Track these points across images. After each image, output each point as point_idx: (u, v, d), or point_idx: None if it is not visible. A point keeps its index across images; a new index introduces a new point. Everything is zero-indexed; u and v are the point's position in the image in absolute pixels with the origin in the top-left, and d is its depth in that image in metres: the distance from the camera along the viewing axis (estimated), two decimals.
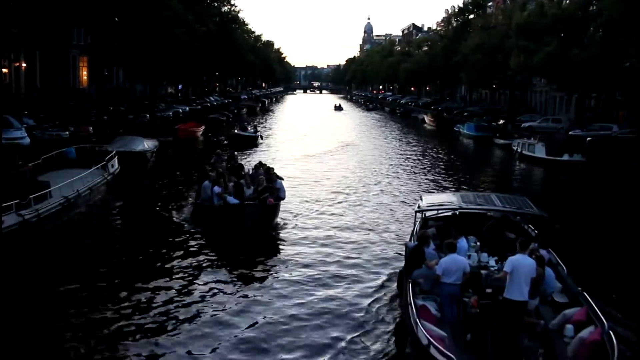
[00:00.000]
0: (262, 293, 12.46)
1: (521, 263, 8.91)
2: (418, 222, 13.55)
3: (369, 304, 11.70)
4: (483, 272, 10.25)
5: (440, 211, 13.89)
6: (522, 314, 8.74)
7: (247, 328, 10.67)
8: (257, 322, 10.96)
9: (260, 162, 20.58)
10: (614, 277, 13.89)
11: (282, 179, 18.53)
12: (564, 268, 11.09)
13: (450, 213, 13.50)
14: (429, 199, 14.56)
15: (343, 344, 10.00)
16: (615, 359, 7.39)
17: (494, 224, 12.71)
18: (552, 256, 11.29)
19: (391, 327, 10.46)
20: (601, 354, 7.80)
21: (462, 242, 10.98)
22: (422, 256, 10.54)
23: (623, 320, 10.80)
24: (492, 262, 10.79)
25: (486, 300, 9.26)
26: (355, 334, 10.37)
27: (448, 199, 14.53)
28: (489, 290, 9.53)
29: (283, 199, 17.73)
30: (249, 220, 15.67)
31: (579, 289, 9.95)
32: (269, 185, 17.21)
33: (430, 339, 8.06)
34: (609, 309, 10.67)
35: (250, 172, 19.65)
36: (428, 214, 13.94)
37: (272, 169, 19.36)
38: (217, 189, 16.71)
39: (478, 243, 11.71)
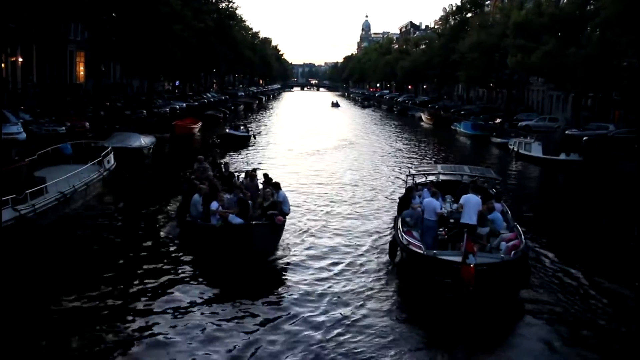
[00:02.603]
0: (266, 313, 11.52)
1: (470, 198, 13.38)
2: (409, 184, 17.58)
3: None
4: (448, 209, 14.90)
5: (426, 177, 18.64)
6: (473, 234, 12.39)
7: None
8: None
9: (254, 170, 18.33)
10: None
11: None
12: (509, 213, 15.40)
13: (434, 179, 17.71)
14: (417, 168, 21.06)
15: (351, 258, 14.78)
16: (520, 249, 12.28)
17: (465, 186, 16.31)
18: (504, 207, 15.47)
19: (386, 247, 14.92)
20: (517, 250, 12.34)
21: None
22: (409, 202, 14.80)
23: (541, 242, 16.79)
24: None
25: (452, 231, 13.75)
26: (362, 253, 15.21)
27: (431, 167, 20.99)
28: (451, 220, 14.18)
29: (288, 213, 15.32)
30: (258, 243, 13.46)
31: (515, 223, 14.37)
32: (275, 199, 14.89)
33: (410, 240, 12.78)
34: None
35: (243, 181, 17.43)
36: (417, 180, 18.33)
37: (271, 178, 16.83)
38: (215, 205, 14.13)
39: (453, 199, 15.86)
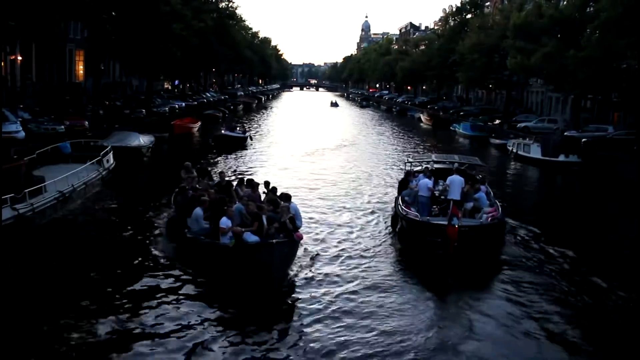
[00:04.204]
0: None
1: (454, 178, 16.81)
2: (407, 170, 20.61)
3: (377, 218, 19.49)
4: (439, 189, 17.84)
5: (422, 164, 21.58)
6: (459, 207, 14.87)
7: None
8: None
9: (251, 179, 16.54)
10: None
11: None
12: (492, 193, 17.85)
13: (429, 168, 19.91)
14: (414, 157, 26.78)
15: (360, 229, 17.98)
16: (497, 217, 15.43)
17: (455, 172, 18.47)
18: (487, 188, 17.87)
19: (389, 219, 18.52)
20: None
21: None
22: (407, 183, 17.99)
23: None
24: None
25: (442, 206, 16.54)
26: (369, 225, 18.41)
27: (426, 156, 25.00)
28: (442, 197, 17.17)
29: (300, 227, 13.97)
30: (279, 262, 12.14)
31: (496, 200, 17.04)
32: (291, 215, 13.36)
33: (407, 210, 15.73)
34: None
35: (239, 190, 15.66)
36: (413, 168, 20.83)
37: (275, 187, 15.38)
38: (225, 221, 12.61)
39: (445, 183, 17.69)
